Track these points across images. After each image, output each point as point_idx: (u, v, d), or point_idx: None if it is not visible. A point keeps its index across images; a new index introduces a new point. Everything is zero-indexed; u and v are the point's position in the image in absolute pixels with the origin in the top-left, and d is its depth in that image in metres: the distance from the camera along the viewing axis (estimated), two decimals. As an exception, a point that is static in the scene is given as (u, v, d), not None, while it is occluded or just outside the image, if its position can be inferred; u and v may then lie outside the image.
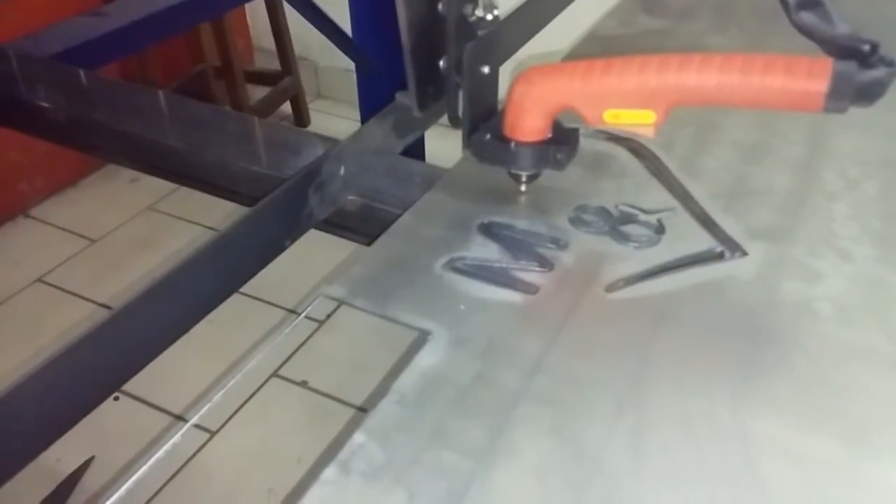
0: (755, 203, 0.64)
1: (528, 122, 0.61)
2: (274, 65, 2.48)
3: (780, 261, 0.58)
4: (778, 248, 0.59)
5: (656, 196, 0.65)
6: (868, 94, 0.49)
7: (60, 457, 1.47)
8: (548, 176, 0.64)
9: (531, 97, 0.60)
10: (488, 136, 0.63)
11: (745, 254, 0.58)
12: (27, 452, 0.53)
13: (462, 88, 0.63)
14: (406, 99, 0.65)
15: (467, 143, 0.64)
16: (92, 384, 0.57)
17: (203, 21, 2.12)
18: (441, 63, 0.64)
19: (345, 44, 1.67)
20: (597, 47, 0.90)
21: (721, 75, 0.52)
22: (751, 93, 0.52)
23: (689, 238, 0.60)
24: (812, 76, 0.50)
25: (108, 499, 0.48)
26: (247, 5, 2.60)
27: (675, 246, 0.59)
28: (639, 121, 0.56)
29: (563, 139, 0.62)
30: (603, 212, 0.63)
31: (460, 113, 0.64)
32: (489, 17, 0.63)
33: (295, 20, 2.20)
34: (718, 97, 0.53)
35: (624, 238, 0.60)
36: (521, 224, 0.62)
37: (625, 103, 0.56)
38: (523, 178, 0.64)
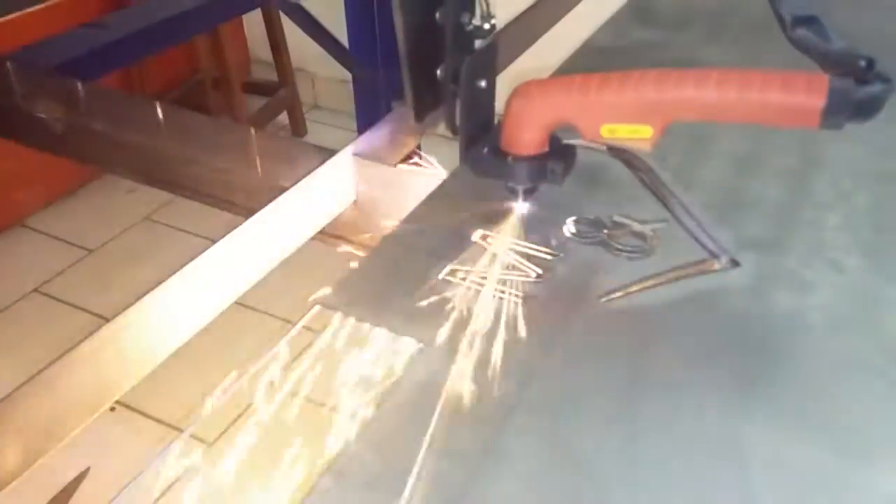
0: (748, 214, 0.65)
1: (525, 136, 0.61)
2: (271, 76, 2.49)
3: (772, 271, 0.58)
4: (770, 259, 0.59)
5: (650, 207, 0.65)
6: (865, 111, 0.49)
7: (56, 468, 1.47)
8: (542, 187, 0.65)
9: (528, 111, 0.60)
10: (486, 150, 0.63)
11: (737, 264, 0.59)
12: (22, 462, 0.53)
13: (459, 102, 0.63)
14: (403, 108, 0.65)
15: (464, 156, 0.64)
16: (88, 394, 0.57)
17: (200, 32, 2.13)
18: (438, 72, 0.64)
19: (341, 55, 1.67)
20: (591, 59, 0.90)
21: (718, 91, 0.52)
22: (748, 109, 0.52)
23: (681, 249, 0.60)
24: (809, 92, 0.50)
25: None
26: (244, 16, 2.62)
27: (668, 256, 0.60)
28: (636, 135, 0.56)
29: (560, 153, 0.62)
30: (597, 222, 0.63)
31: (458, 122, 0.64)
32: (486, 26, 0.63)
33: (292, 31, 2.21)
34: (715, 113, 0.54)
35: (617, 248, 0.60)
36: (517, 233, 0.62)
37: (622, 118, 0.56)
38: (520, 192, 0.65)
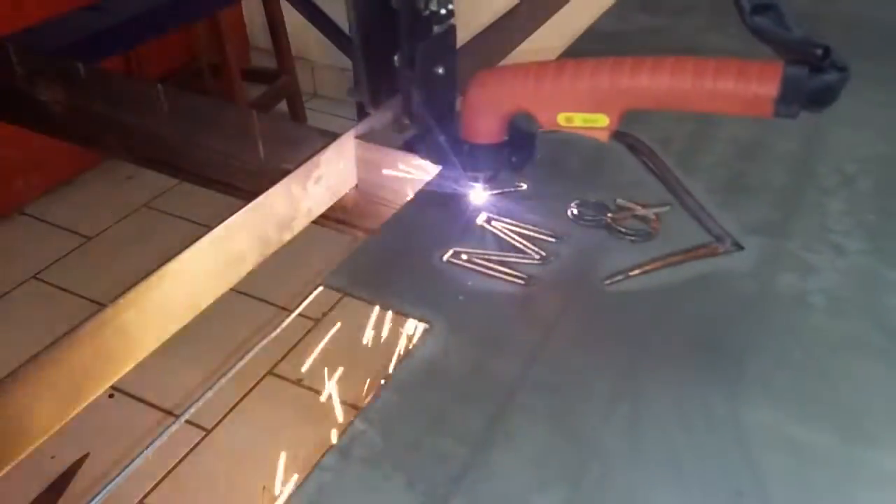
0: (751, 198, 0.65)
1: (482, 125, 0.60)
2: (270, 63, 2.48)
3: (775, 255, 0.58)
4: (773, 243, 0.60)
5: (653, 191, 0.65)
6: (820, 100, 0.49)
7: (55, 454, 1.47)
8: (546, 170, 0.65)
9: (485, 100, 0.59)
10: (443, 138, 0.62)
11: (740, 248, 0.59)
12: (21, 444, 0.53)
13: (416, 90, 0.62)
14: (357, 95, 0.64)
15: (421, 144, 0.63)
16: (85, 377, 0.57)
17: (200, 17, 2.12)
18: (395, 59, 0.63)
19: (342, 42, 1.67)
20: (595, 44, 0.90)
21: (672, 79, 0.52)
22: (702, 97, 0.52)
23: (685, 232, 0.61)
24: (762, 81, 0.49)
25: (97, 495, 0.47)
26: (244, 2, 2.60)
27: (671, 240, 0.60)
28: (592, 124, 0.56)
29: (519, 142, 0.62)
30: (601, 206, 0.63)
31: (415, 110, 0.63)
32: (443, 11, 0.61)
33: (292, 18, 2.20)
34: (670, 101, 0.53)
35: (621, 232, 0.60)
36: (520, 217, 0.62)
37: (578, 107, 0.55)
38: (480, 180, 0.64)
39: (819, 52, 0.48)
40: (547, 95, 0.56)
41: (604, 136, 0.56)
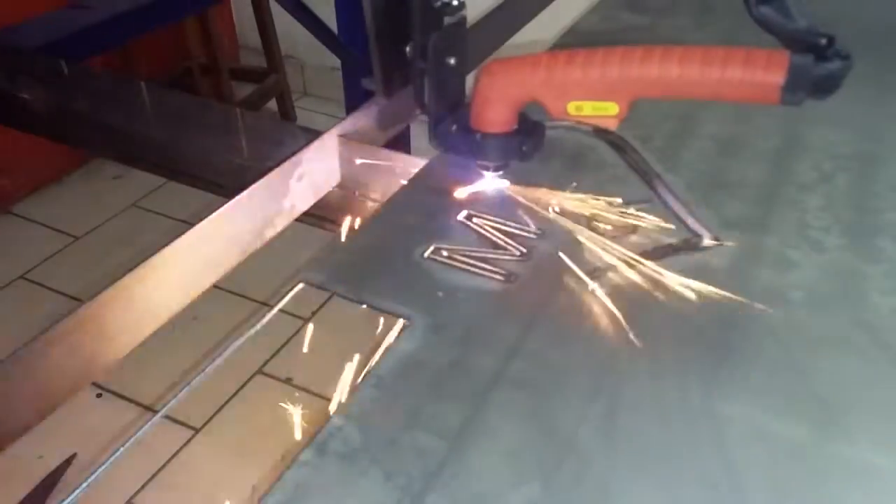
0: (731, 195, 0.65)
1: (492, 114, 0.61)
2: (260, 62, 2.48)
3: (753, 250, 0.59)
4: (752, 238, 0.60)
5: (634, 187, 0.66)
6: (824, 87, 0.51)
7: (42, 454, 1.46)
8: (528, 167, 0.65)
9: (495, 89, 0.60)
10: (454, 128, 0.63)
11: (720, 243, 0.59)
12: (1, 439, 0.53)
13: (428, 80, 0.63)
14: (372, 85, 0.66)
15: (433, 134, 0.65)
16: (65, 376, 0.57)
17: (187, 15, 2.11)
18: (407, 49, 0.64)
19: (331, 41, 1.66)
20: (578, 42, 0.90)
21: (681, 67, 0.53)
22: (710, 84, 0.53)
23: (665, 228, 0.61)
24: (769, 69, 0.51)
25: (72, 493, 0.47)
26: (233, 2, 2.60)
27: (651, 236, 0.60)
28: (602, 113, 0.57)
29: (529, 131, 0.63)
30: (582, 202, 0.63)
31: (426, 100, 0.64)
32: (454, 2, 0.63)
33: (281, 17, 2.20)
34: (679, 89, 0.54)
35: (602, 228, 0.61)
36: (501, 213, 0.63)
37: (588, 95, 0.57)
38: (490, 170, 0.65)
39: (823, 41, 0.51)
40: (558, 84, 0.57)
41: (613, 124, 0.57)
